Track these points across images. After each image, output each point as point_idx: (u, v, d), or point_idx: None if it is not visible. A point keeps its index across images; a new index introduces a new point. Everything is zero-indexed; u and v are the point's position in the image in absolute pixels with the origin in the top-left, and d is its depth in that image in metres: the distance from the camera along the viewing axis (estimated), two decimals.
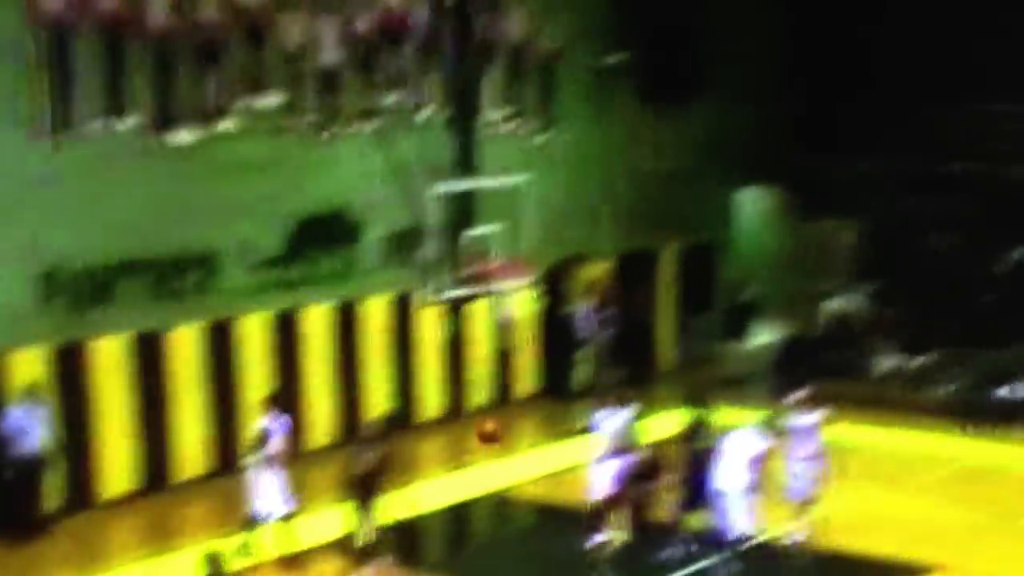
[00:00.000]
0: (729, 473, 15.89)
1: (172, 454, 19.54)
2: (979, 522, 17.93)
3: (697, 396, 17.65)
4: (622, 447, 16.77)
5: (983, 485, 19.60)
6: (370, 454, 16.11)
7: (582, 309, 25.05)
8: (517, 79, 23.53)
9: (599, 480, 16.32)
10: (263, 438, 16.38)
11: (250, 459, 16.36)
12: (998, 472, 20.41)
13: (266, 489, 16.20)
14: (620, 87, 25.14)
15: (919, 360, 24.58)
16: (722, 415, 22.28)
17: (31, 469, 17.30)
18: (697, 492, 16.28)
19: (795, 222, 28.09)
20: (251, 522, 16.31)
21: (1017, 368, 23.06)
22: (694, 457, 16.60)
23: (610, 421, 17.27)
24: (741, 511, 15.81)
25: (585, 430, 18.41)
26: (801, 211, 27.82)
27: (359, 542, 16.05)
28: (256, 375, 20.42)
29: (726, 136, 26.87)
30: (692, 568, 16.15)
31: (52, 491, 17.92)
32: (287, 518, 16.38)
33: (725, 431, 16.50)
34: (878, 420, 22.51)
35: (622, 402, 17.66)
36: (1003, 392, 22.89)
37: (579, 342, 25.00)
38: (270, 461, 16.25)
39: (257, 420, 17.20)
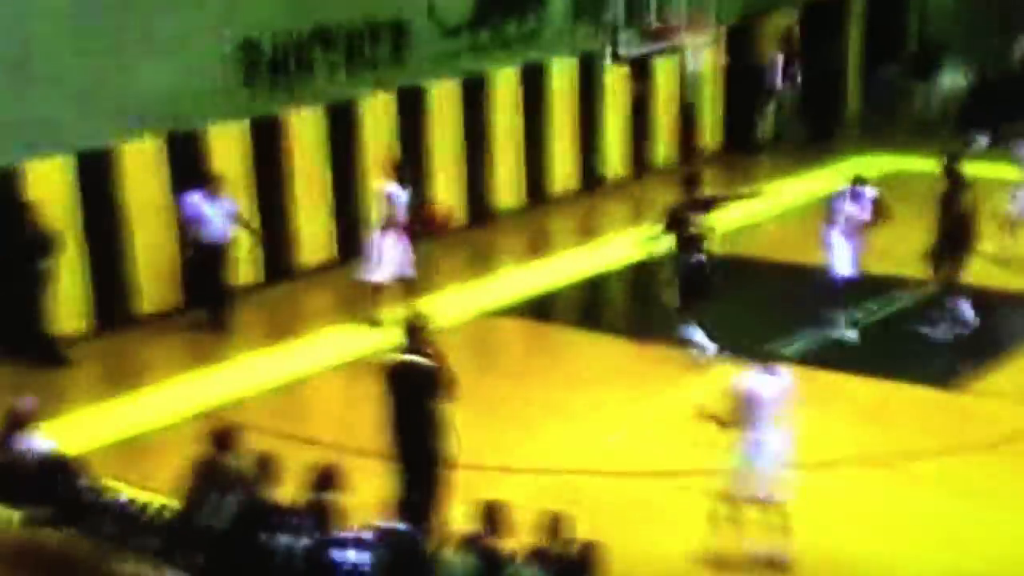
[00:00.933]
0: None
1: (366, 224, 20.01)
2: None
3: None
4: None
5: None
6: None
7: (769, 61, 24.67)
8: None
9: None
10: (389, 203, 16.34)
11: (375, 224, 16.54)
12: None
13: (389, 255, 16.34)
14: None
15: None
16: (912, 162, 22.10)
17: (214, 251, 16.94)
18: None
19: None
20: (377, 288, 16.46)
21: None
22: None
23: None
24: None
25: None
26: None
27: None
28: (446, 140, 20.65)
29: None
30: None
31: (249, 265, 18.21)
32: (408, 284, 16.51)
33: None
34: None
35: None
36: None
37: (766, 94, 24.73)
38: (393, 227, 16.34)
39: (381, 184, 16.93)
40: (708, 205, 15.26)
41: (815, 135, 24.95)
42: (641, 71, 22.69)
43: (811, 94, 25.19)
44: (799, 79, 24.95)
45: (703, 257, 15.03)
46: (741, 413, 10.30)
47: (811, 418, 13.00)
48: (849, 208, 15.55)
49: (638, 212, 22.04)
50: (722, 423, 10.40)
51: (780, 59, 24.64)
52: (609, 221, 21.79)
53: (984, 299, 15.94)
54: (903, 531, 11.40)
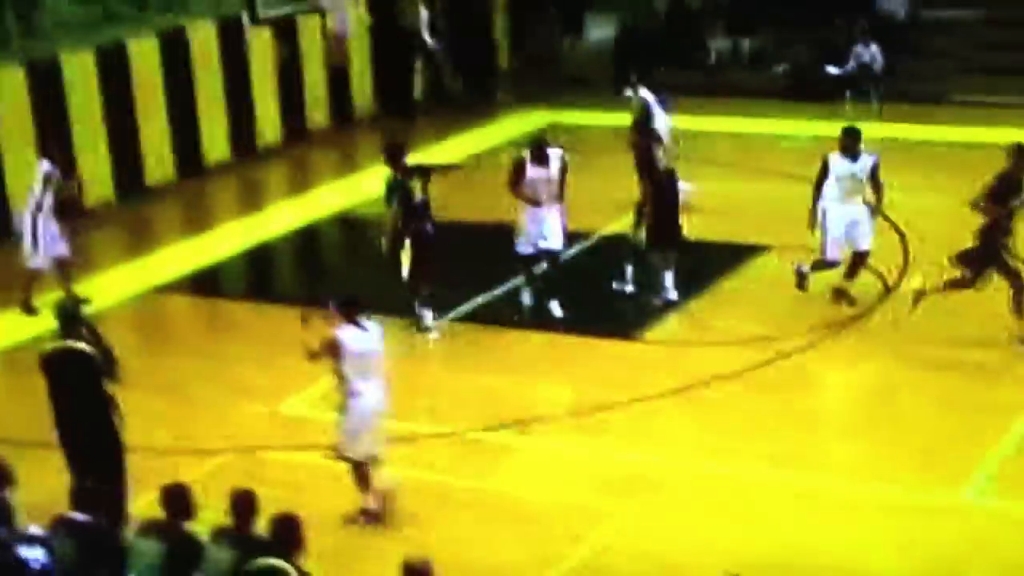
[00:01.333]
0: None
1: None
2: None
3: None
4: None
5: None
6: None
7: (417, 19, 24.27)
8: None
9: None
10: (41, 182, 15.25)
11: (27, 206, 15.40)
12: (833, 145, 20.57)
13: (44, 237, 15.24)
14: None
15: (749, 43, 24.41)
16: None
17: None
18: None
19: None
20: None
21: (843, 44, 23.03)
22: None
23: None
24: None
25: None
26: None
27: None
28: (88, 113, 19.43)
29: None
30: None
31: None
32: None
33: None
34: (714, 106, 22.43)
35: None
36: (831, 68, 22.89)
37: (416, 54, 24.33)
38: (46, 206, 15.23)
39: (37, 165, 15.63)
40: (425, 173, 14.56)
41: (470, 92, 24.75)
42: (285, 33, 21.90)
43: (462, 51, 24.96)
44: (447, 36, 24.65)
45: (431, 224, 14.41)
46: (340, 365, 10.42)
47: (501, 376, 12.91)
48: (534, 172, 14.43)
49: (296, 179, 21.45)
50: (315, 355, 10.46)
51: (426, 16, 24.21)
52: (269, 190, 21.03)
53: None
54: (600, 480, 11.35)
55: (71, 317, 10.50)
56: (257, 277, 18.11)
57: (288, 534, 8.00)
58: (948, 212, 16.83)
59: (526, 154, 14.49)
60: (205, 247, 17.97)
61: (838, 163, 14.24)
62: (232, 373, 13.89)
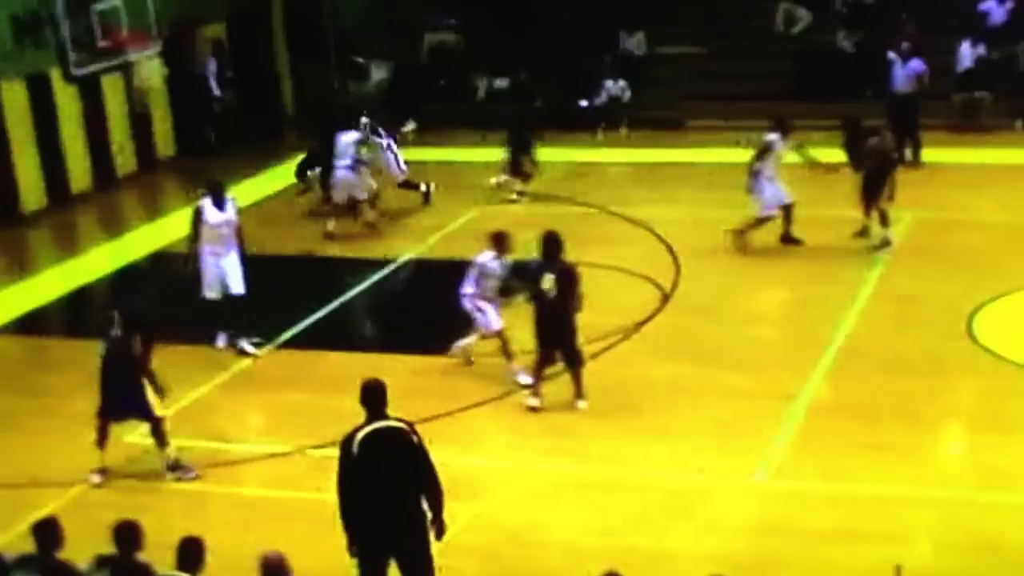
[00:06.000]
0: None
1: None
2: (580, 212, 18.53)
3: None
4: None
5: (583, 179, 20.10)
6: None
7: (207, 69, 23.75)
8: None
9: None
10: None
11: None
12: (597, 166, 21.04)
13: None
14: None
15: (507, 80, 24.63)
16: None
17: None
18: None
19: None
20: None
21: (593, 80, 23.44)
22: None
23: None
24: None
25: None
26: None
27: None
28: None
29: None
30: None
31: None
32: None
33: None
34: (483, 138, 22.58)
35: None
36: (583, 102, 23.28)
37: (207, 100, 23.78)
38: None
39: None
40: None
41: (258, 136, 24.30)
42: (90, 87, 21.14)
43: (249, 98, 24.52)
44: (237, 84, 24.18)
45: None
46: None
47: (323, 395, 12.71)
48: (214, 217, 13.88)
49: (108, 223, 20.71)
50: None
51: (214, 66, 23.75)
52: (82, 234, 20.24)
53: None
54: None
55: None
56: (78, 317, 17.40)
57: (193, 554, 7.90)
58: (692, 221, 17.45)
59: (205, 200, 13.97)
60: (26, 291, 17.22)
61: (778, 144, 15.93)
62: (66, 407, 13.25)
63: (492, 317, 13.06)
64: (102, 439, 11.67)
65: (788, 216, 16.20)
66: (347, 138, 17.88)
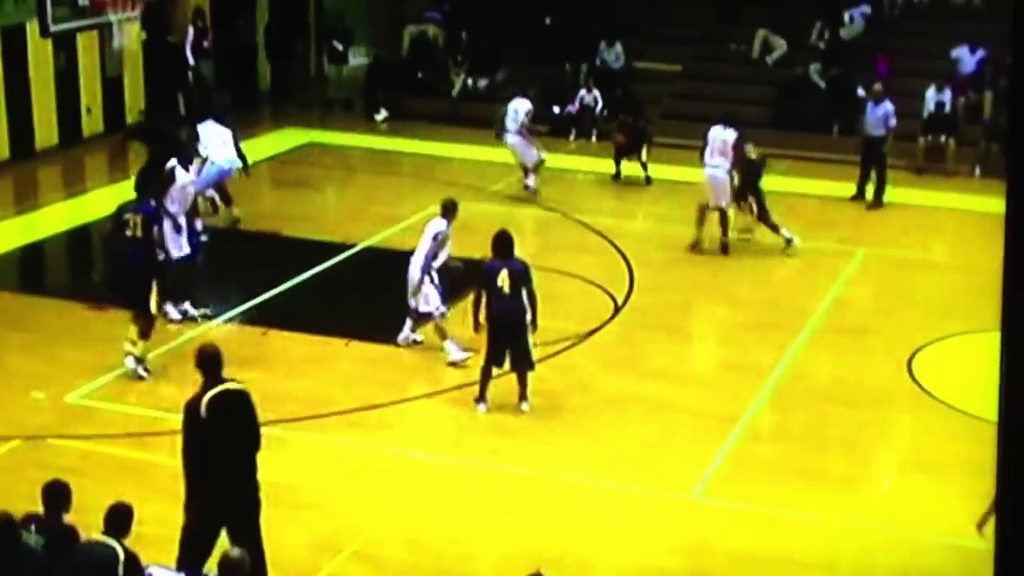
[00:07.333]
0: None
1: None
2: (547, 216, 18.55)
3: None
4: None
5: (550, 185, 20.08)
6: None
7: (187, 37, 23.54)
8: None
9: None
10: None
11: None
12: (566, 172, 21.02)
13: None
14: None
15: (486, 80, 24.57)
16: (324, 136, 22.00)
17: None
18: None
19: None
20: None
21: (569, 87, 23.45)
22: None
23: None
24: None
25: None
26: None
27: None
28: None
29: None
30: None
31: None
32: None
33: None
34: (456, 134, 22.55)
35: None
36: (555, 108, 23.25)
37: (183, 69, 23.58)
38: None
39: None
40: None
41: (232, 110, 24.10)
42: (66, 44, 20.92)
43: (226, 69, 24.35)
44: (213, 54, 23.99)
45: None
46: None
47: (270, 375, 12.65)
48: (183, 177, 14.21)
49: (70, 181, 20.51)
50: None
51: (191, 35, 23.54)
52: (42, 190, 20.04)
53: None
54: (373, 473, 11.29)
55: None
56: (33, 273, 17.23)
57: (121, 520, 7.83)
58: (652, 235, 17.48)
59: (173, 161, 14.27)
60: None
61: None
62: (9, 363, 13.14)
63: (440, 295, 13.23)
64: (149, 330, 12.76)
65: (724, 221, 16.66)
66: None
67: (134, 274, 12.78)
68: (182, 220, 14.13)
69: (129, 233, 12.81)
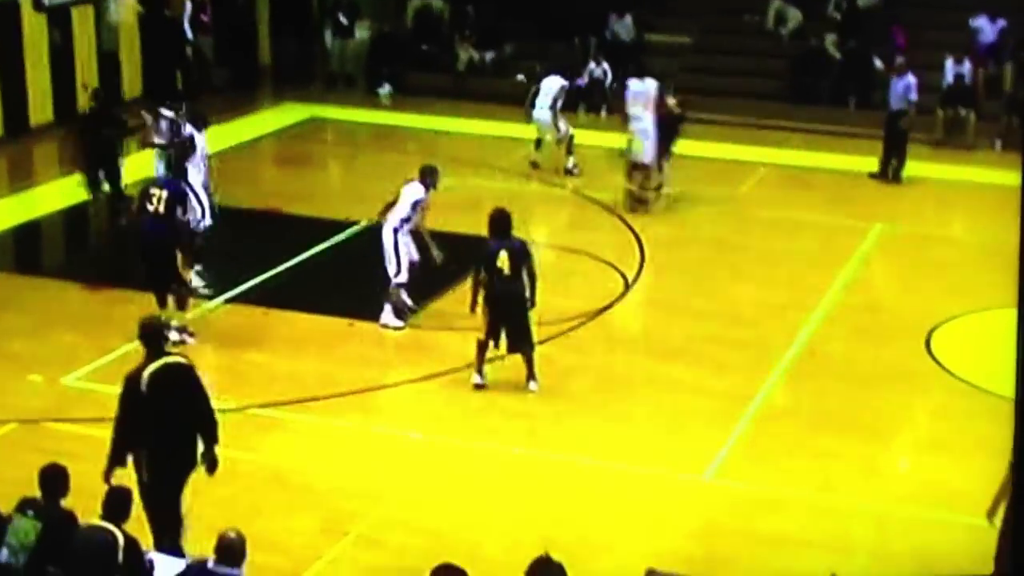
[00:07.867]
0: None
1: None
2: (555, 193, 18.47)
3: None
4: None
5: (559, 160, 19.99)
6: None
7: (185, 11, 23.46)
8: None
9: None
10: None
11: None
12: (578, 148, 20.81)
13: None
14: None
15: (492, 53, 24.47)
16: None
17: None
18: None
19: None
20: None
21: (578, 61, 23.32)
22: None
23: None
24: None
25: None
26: None
27: None
28: None
29: None
30: None
31: None
32: None
33: None
34: (461, 109, 22.47)
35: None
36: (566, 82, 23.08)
37: (182, 43, 23.50)
38: None
39: None
40: None
41: (234, 84, 24.08)
42: (60, 19, 20.85)
43: (226, 44, 24.28)
44: (213, 29, 23.91)
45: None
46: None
47: (274, 355, 12.61)
48: (202, 144, 14.50)
49: (65, 158, 20.44)
50: None
51: (189, 8, 23.45)
52: (38, 168, 20.01)
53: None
54: (378, 456, 11.24)
55: None
56: (29, 252, 17.20)
57: (120, 505, 7.81)
58: (666, 211, 17.42)
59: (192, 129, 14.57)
60: None
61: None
62: (5, 345, 13.12)
63: (413, 249, 13.40)
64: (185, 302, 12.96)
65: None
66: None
67: (155, 252, 12.79)
68: (206, 188, 14.18)
69: (151, 208, 12.77)
